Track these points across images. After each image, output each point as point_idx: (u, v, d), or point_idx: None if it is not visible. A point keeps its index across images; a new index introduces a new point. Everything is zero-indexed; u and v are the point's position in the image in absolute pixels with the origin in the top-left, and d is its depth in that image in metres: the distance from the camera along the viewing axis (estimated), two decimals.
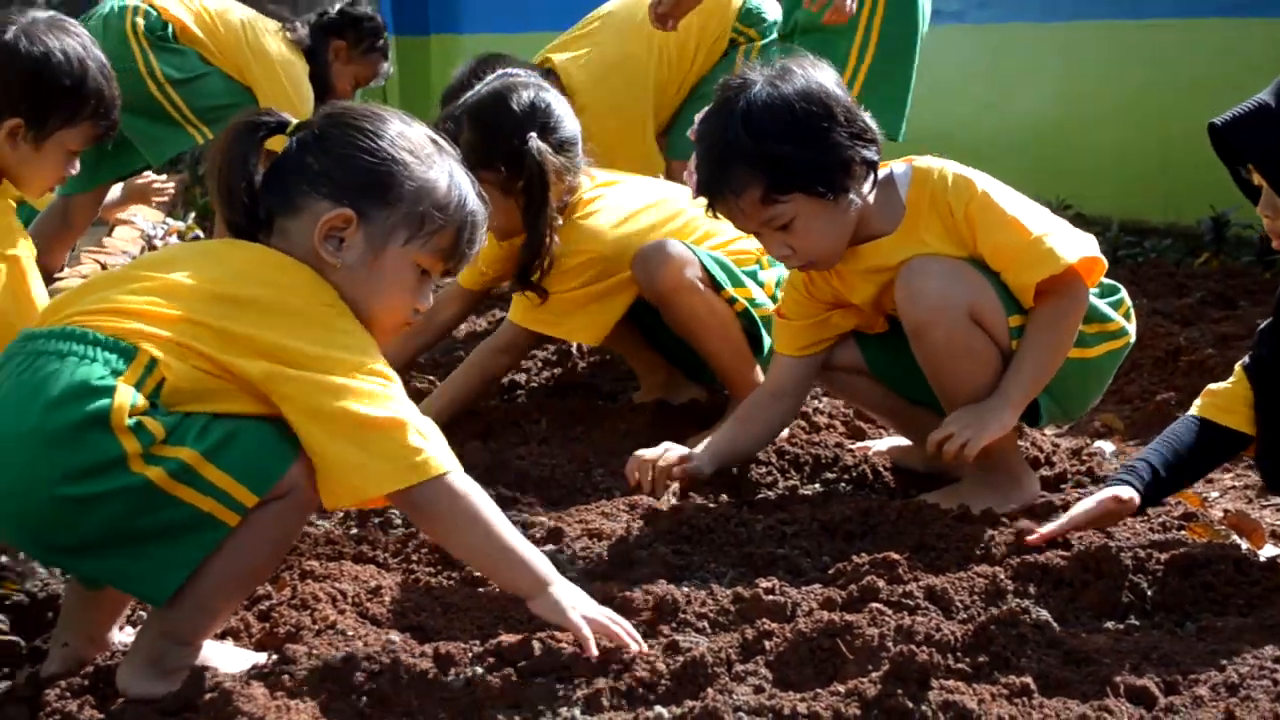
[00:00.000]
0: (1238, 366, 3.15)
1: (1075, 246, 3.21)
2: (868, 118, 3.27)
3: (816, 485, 3.56)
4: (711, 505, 3.32)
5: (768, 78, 3.21)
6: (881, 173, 3.30)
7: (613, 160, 5.26)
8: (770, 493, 3.50)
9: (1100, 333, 3.35)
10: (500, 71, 4.26)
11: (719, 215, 3.33)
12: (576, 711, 2.32)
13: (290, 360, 2.44)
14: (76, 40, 3.72)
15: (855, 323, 3.49)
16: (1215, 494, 3.78)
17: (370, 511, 3.34)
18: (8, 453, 2.39)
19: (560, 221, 4.02)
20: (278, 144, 2.68)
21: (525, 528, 3.27)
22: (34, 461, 2.38)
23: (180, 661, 2.49)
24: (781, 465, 3.62)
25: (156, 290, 2.50)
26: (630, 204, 4.20)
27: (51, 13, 3.84)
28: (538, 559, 2.57)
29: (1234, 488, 3.88)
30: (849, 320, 3.49)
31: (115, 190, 6.47)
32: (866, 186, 3.25)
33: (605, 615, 2.54)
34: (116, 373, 2.40)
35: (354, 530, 3.24)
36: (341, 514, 3.34)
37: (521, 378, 4.72)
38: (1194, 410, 3.17)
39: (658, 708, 2.28)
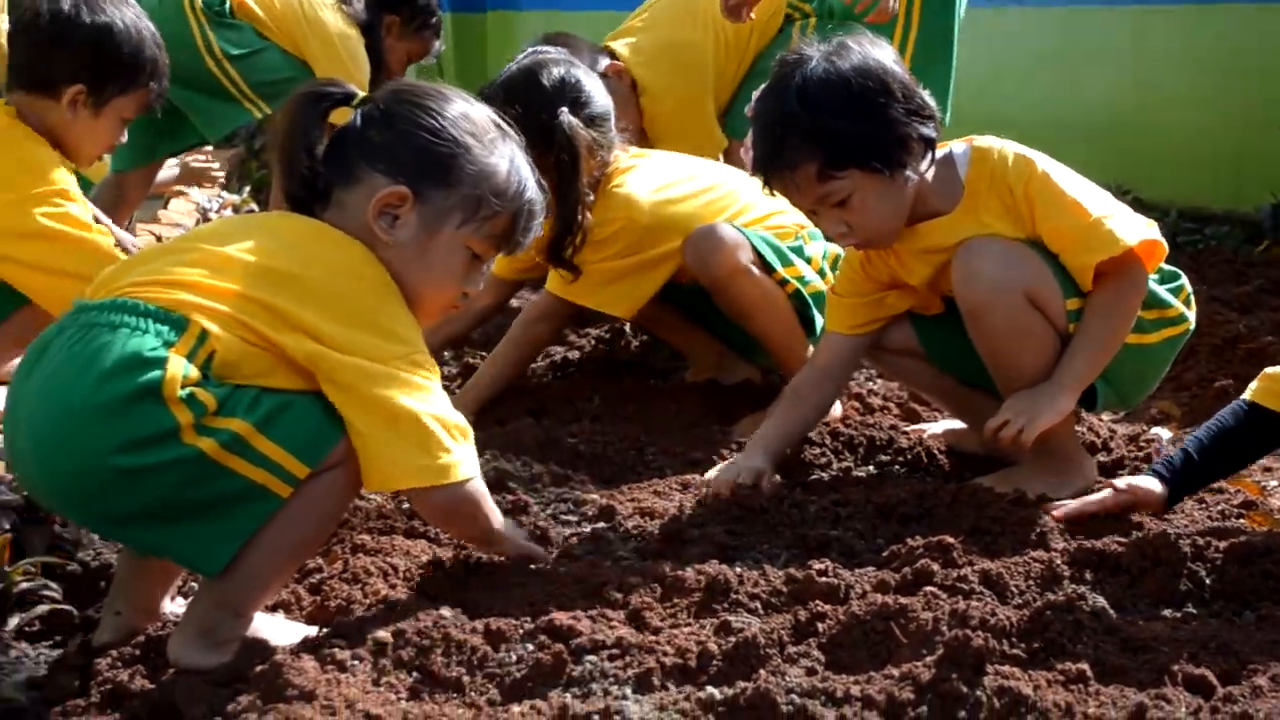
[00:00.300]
0: None
1: (1135, 229, 3.19)
2: (926, 95, 3.25)
3: (870, 467, 3.55)
4: (764, 486, 3.31)
5: (824, 53, 3.20)
6: (940, 152, 3.29)
7: (673, 142, 5.28)
8: (824, 474, 3.49)
9: (1159, 319, 3.32)
10: (530, 49, 4.26)
11: (775, 192, 3.32)
12: (628, 690, 2.31)
13: (335, 342, 2.46)
14: (131, 10, 3.85)
15: (910, 303, 3.47)
16: (1274, 483, 3.75)
17: None
18: (62, 424, 2.40)
19: (592, 197, 4.02)
20: (341, 116, 2.68)
21: (577, 505, 3.29)
22: (88, 432, 2.39)
23: (231, 633, 2.51)
24: (836, 447, 3.61)
25: (209, 263, 2.51)
26: (665, 175, 4.20)
27: None
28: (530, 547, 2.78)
29: None
30: (904, 301, 3.48)
31: (170, 168, 6.50)
32: (924, 164, 3.23)
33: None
34: (168, 344, 2.41)
35: (405, 504, 3.24)
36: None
37: (574, 355, 4.72)
38: (1247, 394, 3.15)
39: (709, 688, 2.26)
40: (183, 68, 5.13)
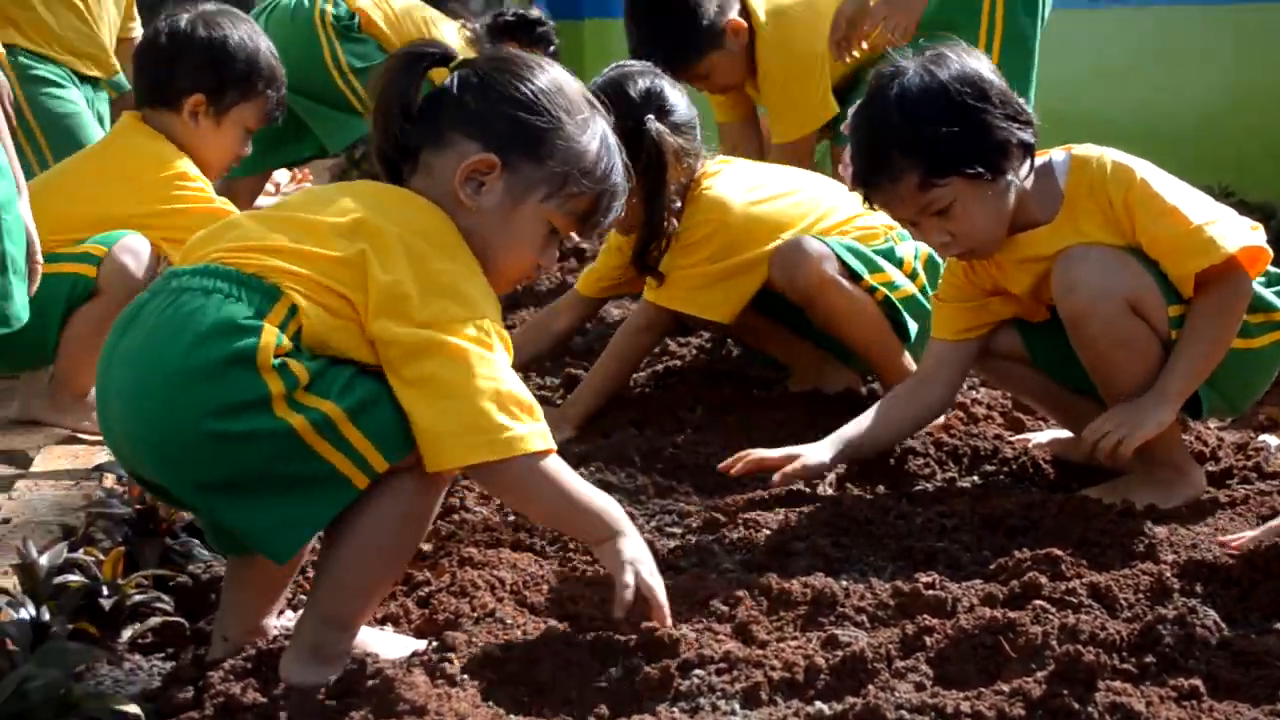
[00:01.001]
0: None
1: (1237, 235, 3.16)
2: (1023, 102, 3.24)
3: (975, 478, 3.53)
4: (869, 497, 3.31)
5: (920, 63, 3.20)
6: (1039, 160, 3.27)
7: (780, 104, 5.43)
8: (929, 485, 3.47)
9: (1266, 322, 3.28)
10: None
11: (875, 206, 3.32)
12: (736, 705, 2.32)
13: (410, 303, 2.46)
14: (247, 25, 4.03)
15: (1014, 310, 3.45)
16: None
17: None
18: (155, 386, 2.42)
19: (680, 204, 4.04)
20: (439, 77, 2.70)
21: (681, 517, 3.29)
22: (182, 396, 2.40)
23: (339, 647, 2.52)
24: (940, 457, 3.59)
25: (296, 227, 2.53)
26: (752, 179, 4.23)
27: (221, 4, 4.09)
28: (611, 509, 2.58)
29: None
30: (1008, 308, 3.45)
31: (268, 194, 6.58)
32: (1024, 170, 3.22)
33: (656, 583, 2.56)
34: (261, 313, 2.43)
35: (511, 517, 3.25)
36: (498, 503, 3.36)
37: (675, 365, 4.72)
38: None
39: (818, 703, 2.27)
40: (309, 80, 5.24)
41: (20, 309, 3.37)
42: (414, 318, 2.45)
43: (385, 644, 2.59)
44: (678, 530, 3.21)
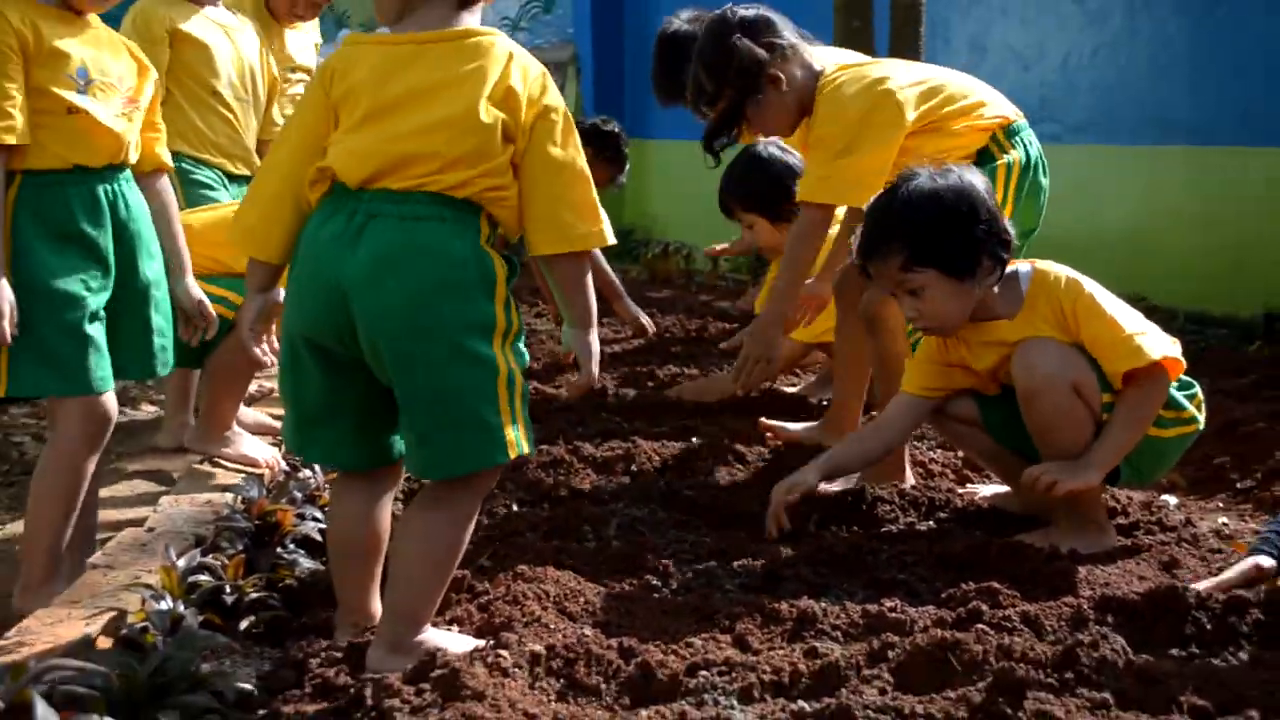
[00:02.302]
0: None
1: (1161, 346, 3.18)
2: (1008, 224, 3.25)
3: (931, 523, 3.52)
4: (845, 536, 3.31)
5: (930, 172, 3.23)
6: (1009, 269, 3.29)
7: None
8: (893, 527, 3.46)
9: (1175, 418, 3.29)
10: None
11: (870, 275, 3.33)
12: (734, 701, 2.32)
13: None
14: None
15: (972, 383, 3.45)
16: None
17: (573, 526, 3.38)
18: (423, 296, 2.38)
19: (762, 98, 3.96)
20: None
21: (693, 547, 3.27)
22: (444, 308, 2.38)
23: (412, 639, 2.52)
24: (903, 505, 3.58)
25: (425, 128, 2.45)
26: (880, 71, 4.00)
27: None
28: (594, 305, 2.62)
29: None
30: (967, 380, 3.45)
31: None
32: (992, 279, 3.22)
33: (596, 371, 2.64)
34: (479, 234, 2.46)
35: (556, 543, 3.26)
36: (546, 527, 3.37)
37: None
38: None
39: (800, 702, 2.27)
40: None
41: (161, 367, 3.40)
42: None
43: (451, 641, 2.59)
44: (689, 557, 3.21)
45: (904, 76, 3.94)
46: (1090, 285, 3.27)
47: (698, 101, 4.12)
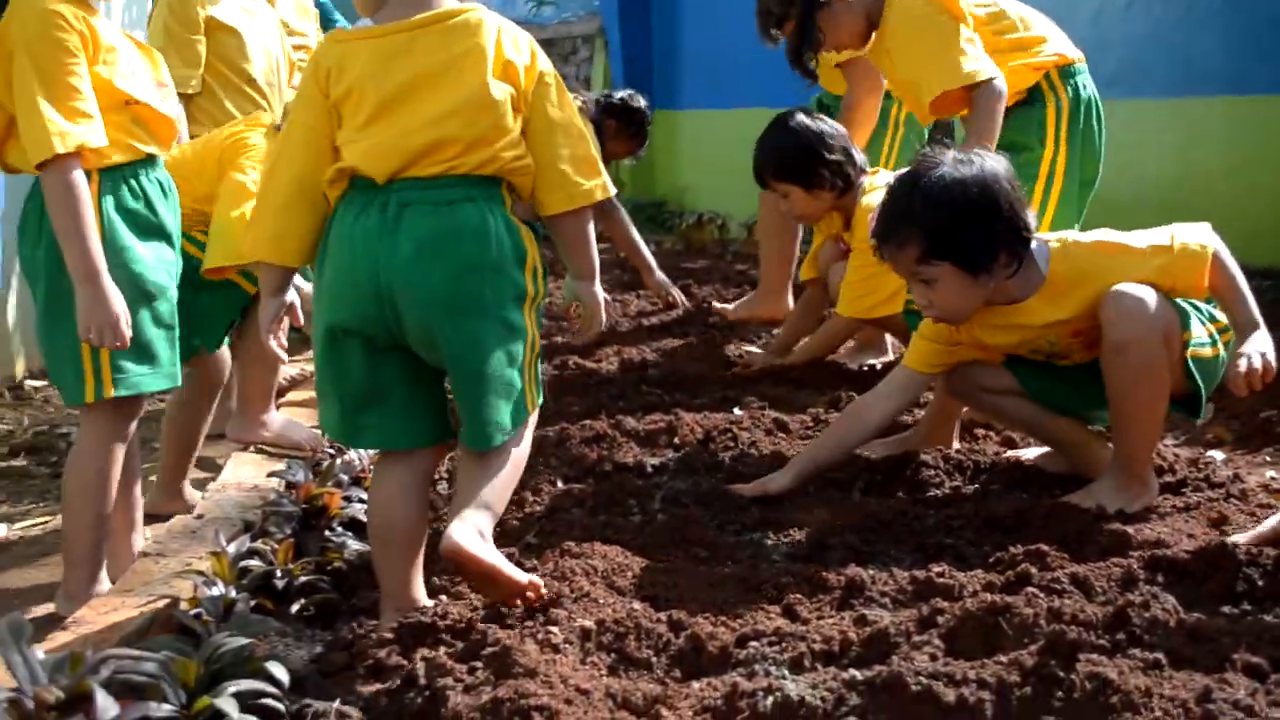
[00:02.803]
0: None
1: (1200, 235, 3.19)
2: (1029, 215, 3.18)
3: (976, 486, 3.51)
4: (890, 502, 3.31)
5: (954, 158, 3.17)
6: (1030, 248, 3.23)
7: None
8: (939, 492, 3.46)
9: (1222, 328, 3.27)
10: None
11: (884, 257, 3.29)
12: (785, 670, 2.32)
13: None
14: None
15: (976, 356, 3.45)
16: None
17: (618, 500, 3.38)
18: (467, 275, 2.47)
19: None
20: None
21: (739, 518, 3.28)
22: (485, 284, 2.48)
23: (489, 526, 2.59)
24: (948, 469, 3.57)
25: (451, 109, 2.52)
26: None
27: None
28: (596, 257, 2.74)
29: None
30: (970, 354, 3.46)
31: None
32: (1008, 272, 3.17)
33: (605, 319, 2.79)
34: (504, 205, 2.54)
35: (602, 518, 3.27)
36: (592, 502, 3.38)
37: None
38: None
39: (851, 670, 2.26)
40: None
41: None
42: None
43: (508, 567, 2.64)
44: (735, 528, 3.21)
45: None
46: (1111, 233, 3.25)
47: (766, 26, 4.27)
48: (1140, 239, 3.22)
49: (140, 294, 3.04)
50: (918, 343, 3.52)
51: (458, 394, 2.58)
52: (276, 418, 4.32)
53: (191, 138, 4.24)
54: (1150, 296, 3.13)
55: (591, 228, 2.70)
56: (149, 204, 3.11)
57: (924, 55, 4.03)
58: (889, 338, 5.13)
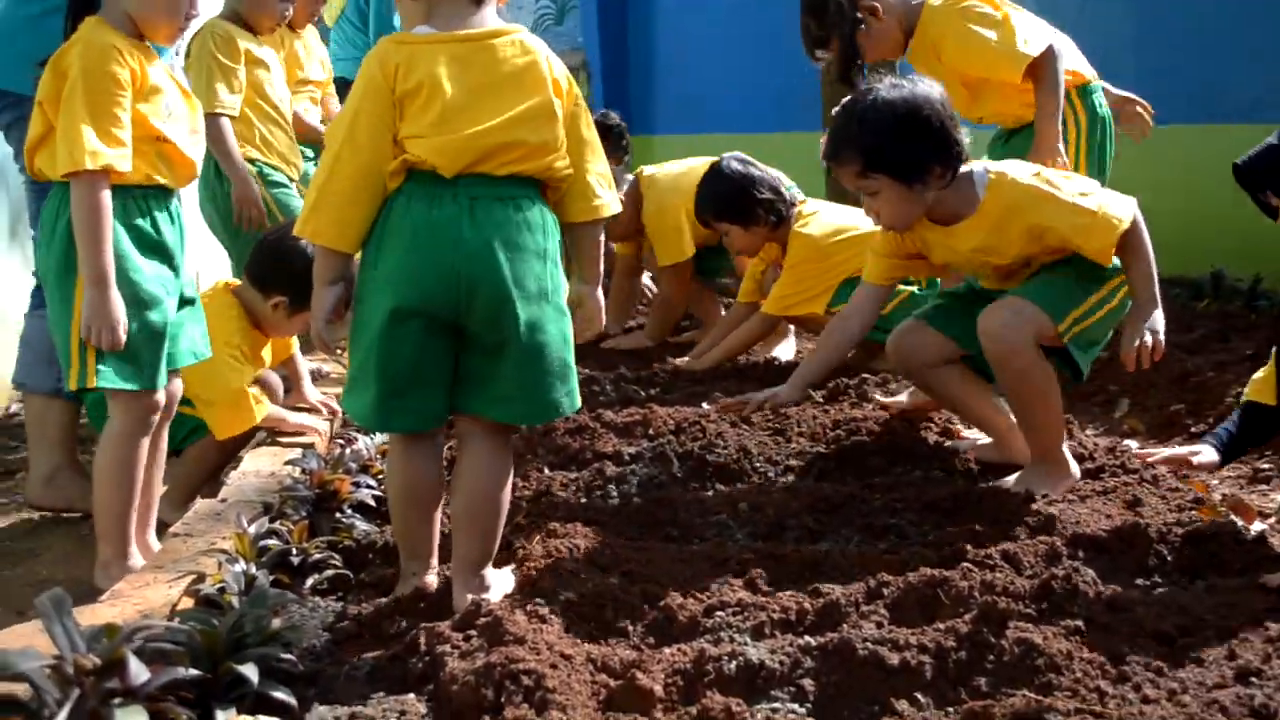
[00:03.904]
0: (1274, 350, 3.21)
1: (1125, 208, 3.19)
2: (961, 134, 3.19)
3: (919, 472, 3.52)
4: (842, 487, 3.31)
5: (890, 83, 3.20)
6: (965, 168, 3.25)
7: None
8: (885, 478, 3.47)
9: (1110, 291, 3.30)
10: None
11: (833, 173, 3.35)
12: (747, 637, 2.33)
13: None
14: None
15: (925, 273, 3.61)
16: (1216, 482, 3.70)
17: (598, 485, 3.38)
18: (532, 264, 2.49)
19: (865, 27, 4.11)
20: None
21: (707, 502, 3.28)
22: (544, 273, 2.52)
23: (489, 575, 2.63)
24: (894, 457, 3.59)
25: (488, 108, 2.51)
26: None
27: None
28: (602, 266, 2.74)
29: (1230, 477, 3.79)
30: (920, 270, 3.61)
31: None
32: (943, 182, 3.20)
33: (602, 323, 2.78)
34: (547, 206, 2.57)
35: (584, 500, 3.27)
36: (575, 487, 3.38)
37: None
38: (1244, 396, 3.33)
39: (806, 636, 2.28)
40: None
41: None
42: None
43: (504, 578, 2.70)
44: (703, 510, 3.21)
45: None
46: (1049, 175, 3.26)
47: (811, 48, 4.26)
48: (1071, 191, 3.23)
49: (132, 299, 3.01)
50: (872, 259, 3.60)
51: (514, 374, 2.52)
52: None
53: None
54: (1014, 312, 3.19)
55: (603, 238, 2.73)
56: (155, 225, 3.08)
57: (982, 48, 4.01)
58: (792, 339, 5.44)
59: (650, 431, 3.89)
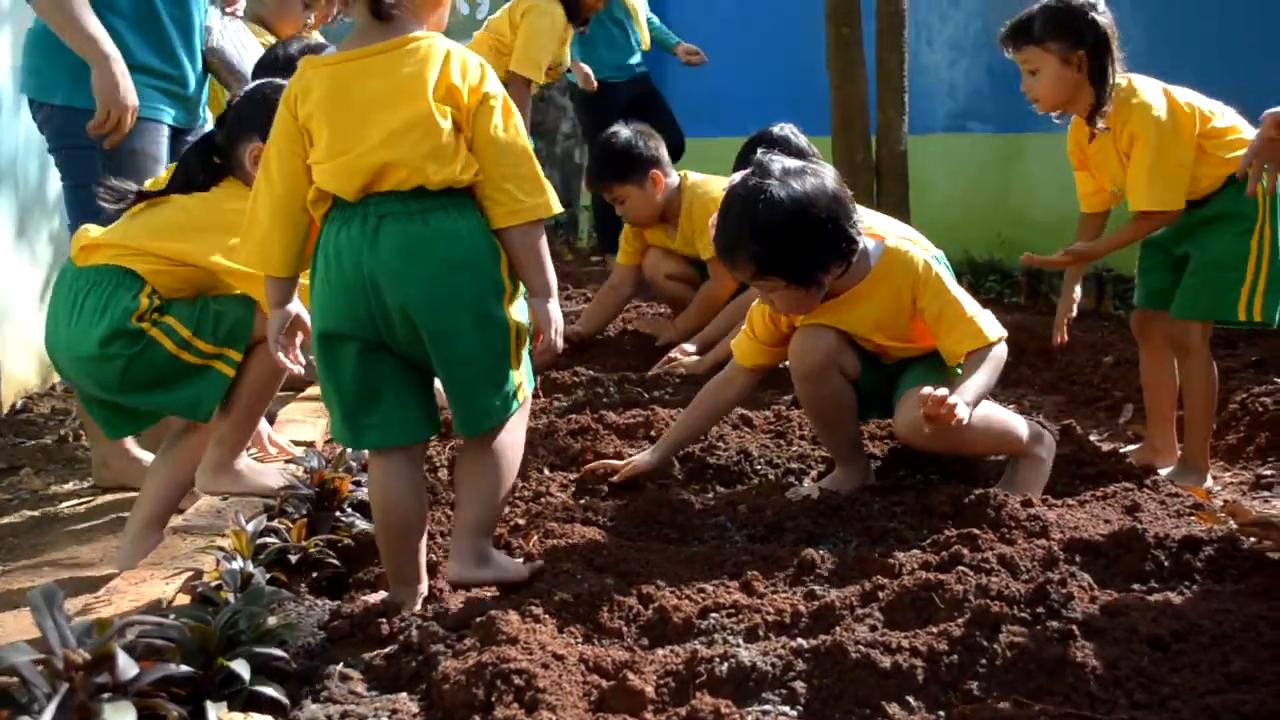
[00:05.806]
0: None
1: (996, 328, 3.13)
2: (855, 229, 3.07)
3: (918, 477, 3.50)
4: (841, 491, 3.30)
5: (782, 172, 3.05)
6: (861, 243, 3.15)
7: None
8: (883, 482, 3.45)
9: None
10: None
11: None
12: (740, 639, 2.32)
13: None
14: None
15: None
16: (1218, 488, 3.68)
17: (595, 488, 3.38)
18: (445, 275, 2.46)
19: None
20: None
21: (706, 504, 3.27)
22: (463, 283, 2.49)
23: (489, 548, 2.64)
24: (893, 462, 3.57)
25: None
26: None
27: None
28: (554, 278, 2.60)
29: (1231, 483, 3.77)
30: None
31: None
32: (836, 274, 3.11)
33: (559, 341, 2.60)
34: (477, 210, 2.54)
35: (582, 501, 3.26)
36: (573, 489, 3.37)
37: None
38: None
39: (799, 639, 2.26)
40: None
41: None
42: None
43: (509, 563, 2.70)
44: (701, 512, 3.20)
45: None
46: (939, 268, 3.19)
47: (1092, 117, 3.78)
48: (960, 292, 3.18)
49: None
50: (746, 341, 3.47)
51: (447, 387, 2.55)
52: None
53: None
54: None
55: (543, 245, 2.58)
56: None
57: (1148, 169, 3.62)
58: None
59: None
